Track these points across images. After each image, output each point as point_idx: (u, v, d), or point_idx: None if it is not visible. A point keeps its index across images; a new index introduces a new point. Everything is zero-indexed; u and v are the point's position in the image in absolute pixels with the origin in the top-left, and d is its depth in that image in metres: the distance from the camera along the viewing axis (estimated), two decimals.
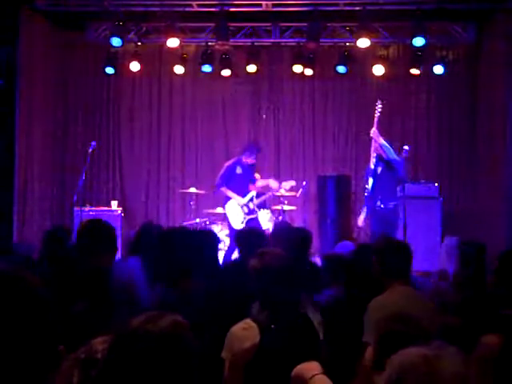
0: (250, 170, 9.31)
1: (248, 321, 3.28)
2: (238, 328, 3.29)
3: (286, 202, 9.41)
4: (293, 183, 9.39)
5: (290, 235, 5.92)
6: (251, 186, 9.30)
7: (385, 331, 2.59)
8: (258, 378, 3.14)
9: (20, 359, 1.62)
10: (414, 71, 10.12)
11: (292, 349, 3.07)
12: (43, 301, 1.71)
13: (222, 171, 9.27)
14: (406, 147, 8.23)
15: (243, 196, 9.15)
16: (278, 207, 9.52)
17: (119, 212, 9.95)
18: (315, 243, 10.20)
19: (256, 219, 9.21)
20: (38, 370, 1.66)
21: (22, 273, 1.74)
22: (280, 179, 10.01)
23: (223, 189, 9.16)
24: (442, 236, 8.99)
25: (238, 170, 9.20)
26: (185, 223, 9.78)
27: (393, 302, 3.54)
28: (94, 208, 9.98)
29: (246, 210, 9.15)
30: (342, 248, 6.33)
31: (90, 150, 9.19)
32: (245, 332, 3.24)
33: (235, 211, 9.15)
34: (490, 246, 5.80)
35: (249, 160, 9.18)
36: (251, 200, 9.22)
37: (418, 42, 9.16)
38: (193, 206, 9.84)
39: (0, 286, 1.66)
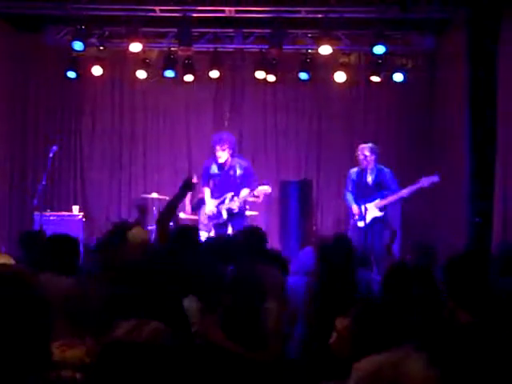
0: (226, 170, 8.45)
1: None
2: None
3: (247, 206, 9.43)
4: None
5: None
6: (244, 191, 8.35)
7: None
8: None
9: (15, 358, 1.63)
10: (375, 78, 10.28)
11: None
12: (41, 301, 1.73)
13: None
14: (366, 152, 8.37)
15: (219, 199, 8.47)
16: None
17: (80, 217, 9.88)
18: (277, 248, 10.29)
19: (224, 225, 8.43)
20: (29, 368, 1.67)
21: (23, 273, 1.76)
22: None
23: (203, 189, 8.62)
24: (402, 238, 9.17)
25: (214, 169, 8.55)
26: (148, 227, 9.76)
27: None
28: (54, 213, 9.88)
29: (214, 212, 8.44)
30: (306, 254, 6.38)
31: (51, 155, 9.10)
32: None
33: (203, 218, 8.64)
34: (449, 247, 5.94)
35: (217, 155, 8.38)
36: (222, 202, 8.47)
37: (379, 49, 9.35)
38: (155, 212, 9.80)
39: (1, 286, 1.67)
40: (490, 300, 3.38)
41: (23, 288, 1.77)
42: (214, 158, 8.50)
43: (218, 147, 8.39)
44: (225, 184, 8.47)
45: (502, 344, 2.32)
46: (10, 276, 1.87)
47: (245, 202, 8.52)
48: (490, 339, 2.34)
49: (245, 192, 8.40)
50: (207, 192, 8.63)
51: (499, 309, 3.26)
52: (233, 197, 8.41)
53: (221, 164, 8.47)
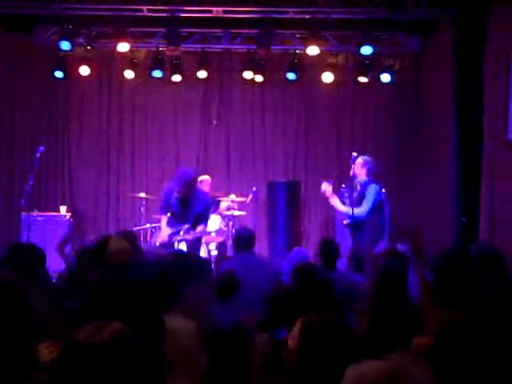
0: (185, 204, 8.01)
1: None
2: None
3: (235, 207, 9.45)
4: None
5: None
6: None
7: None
8: None
9: (2, 361, 1.63)
10: (362, 79, 10.32)
11: None
12: (28, 305, 1.73)
13: None
14: (354, 153, 8.38)
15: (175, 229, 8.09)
16: (228, 213, 9.55)
17: (68, 217, 9.85)
18: (264, 249, 10.32)
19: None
20: (19, 370, 1.68)
21: (12, 279, 1.76)
22: (230, 185, 10.04)
23: (161, 217, 8.25)
24: (390, 241, 9.16)
25: (173, 200, 8.03)
26: (135, 228, 9.74)
27: None
28: (42, 213, 9.85)
29: (165, 241, 8.05)
30: (297, 254, 6.41)
31: (38, 155, 9.05)
32: None
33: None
34: (436, 248, 5.96)
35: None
36: (177, 233, 8.00)
37: (366, 50, 9.38)
38: (143, 212, 9.79)
39: None
40: (479, 299, 3.39)
41: (8, 292, 1.77)
42: (175, 189, 8.05)
43: (179, 184, 7.98)
44: (181, 217, 8.09)
45: (494, 344, 2.33)
46: None
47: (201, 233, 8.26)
48: (481, 339, 2.34)
49: (200, 228, 8.13)
50: (164, 220, 8.23)
51: (487, 309, 3.27)
52: (188, 229, 8.05)
53: (181, 198, 8.05)
